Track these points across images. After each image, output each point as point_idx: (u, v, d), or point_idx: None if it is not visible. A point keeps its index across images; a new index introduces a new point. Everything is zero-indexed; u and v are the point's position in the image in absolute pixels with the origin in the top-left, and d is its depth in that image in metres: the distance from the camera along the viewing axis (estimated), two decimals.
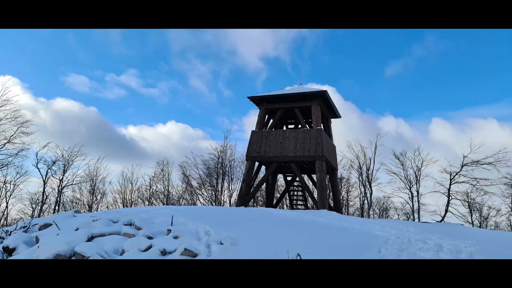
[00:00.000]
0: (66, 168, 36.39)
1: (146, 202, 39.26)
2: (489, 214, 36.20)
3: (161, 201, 39.23)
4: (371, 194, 34.77)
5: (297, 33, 79.60)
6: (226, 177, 36.50)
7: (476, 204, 34.08)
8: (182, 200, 39.47)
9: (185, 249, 9.12)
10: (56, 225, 11.85)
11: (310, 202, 30.27)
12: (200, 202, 37.19)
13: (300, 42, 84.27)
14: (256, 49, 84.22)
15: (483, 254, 8.80)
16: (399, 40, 79.79)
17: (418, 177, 33.37)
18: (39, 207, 35.60)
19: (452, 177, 31.12)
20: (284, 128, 26.85)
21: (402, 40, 79.28)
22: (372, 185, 34.74)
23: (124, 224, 11.49)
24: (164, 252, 9.28)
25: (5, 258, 10.33)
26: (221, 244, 9.74)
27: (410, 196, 33.43)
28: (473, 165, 30.46)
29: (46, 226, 12.29)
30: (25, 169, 45.17)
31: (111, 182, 59.53)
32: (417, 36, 78.76)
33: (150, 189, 40.09)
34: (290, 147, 22.10)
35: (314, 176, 27.05)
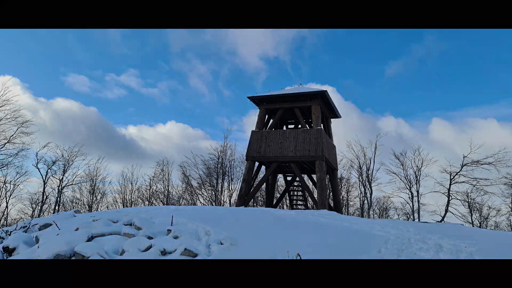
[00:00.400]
0: (66, 168, 36.44)
1: (146, 202, 39.27)
2: (489, 214, 36.24)
3: (161, 201, 39.25)
4: (371, 194, 34.81)
5: (297, 33, 79.61)
6: (226, 177, 36.54)
7: (476, 204, 34.12)
8: (182, 200, 39.49)
9: (185, 249, 9.12)
10: (56, 225, 11.85)
11: (310, 202, 30.27)
12: (200, 202, 37.22)
13: (300, 42, 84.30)
14: (256, 49, 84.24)
15: (483, 254, 8.80)
16: (399, 40, 79.80)
17: (418, 177, 33.43)
18: (39, 207, 35.63)
19: (452, 177, 31.15)
20: (284, 128, 26.85)
21: (402, 40, 79.30)
22: (372, 185, 34.78)
23: (124, 224, 11.49)
24: (164, 252, 9.28)
25: (5, 258, 10.33)
26: (221, 244, 9.74)
27: (410, 196, 33.46)
28: (473, 165, 30.51)
29: (46, 226, 12.29)
30: (25, 169, 45.27)
31: (111, 182, 59.56)
32: (417, 36, 78.78)
33: (150, 189, 40.13)
34: (290, 147, 22.10)
35: (314, 176, 27.04)
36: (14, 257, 9.99)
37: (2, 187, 35.26)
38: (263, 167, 26.56)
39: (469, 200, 33.12)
